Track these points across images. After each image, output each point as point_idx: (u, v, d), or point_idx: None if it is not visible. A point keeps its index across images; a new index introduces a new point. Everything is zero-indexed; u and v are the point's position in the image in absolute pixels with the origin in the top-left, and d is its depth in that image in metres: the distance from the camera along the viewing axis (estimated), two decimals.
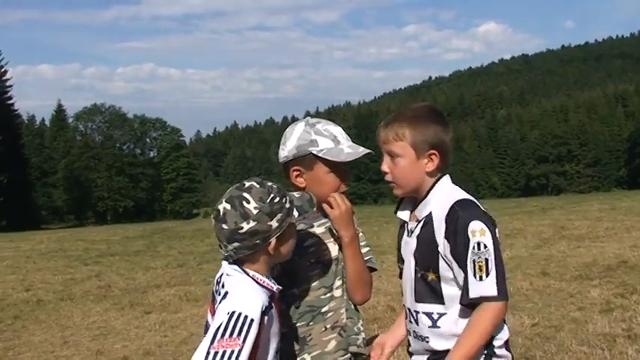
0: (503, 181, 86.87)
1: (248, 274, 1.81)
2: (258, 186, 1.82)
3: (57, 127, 74.92)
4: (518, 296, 6.66)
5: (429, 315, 1.97)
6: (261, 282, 1.80)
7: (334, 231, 2.08)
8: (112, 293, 8.95)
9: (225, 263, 1.85)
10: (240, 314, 1.67)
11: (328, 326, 2.07)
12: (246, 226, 1.77)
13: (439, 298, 1.95)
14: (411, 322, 2.05)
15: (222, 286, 1.81)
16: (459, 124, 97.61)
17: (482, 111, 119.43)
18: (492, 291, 1.84)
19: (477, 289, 1.84)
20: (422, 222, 1.99)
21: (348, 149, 2.05)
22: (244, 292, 1.75)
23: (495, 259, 1.85)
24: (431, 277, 1.95)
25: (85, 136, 75.06)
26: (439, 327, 1.96)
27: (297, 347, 2.05)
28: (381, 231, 14.16)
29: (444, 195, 1.96)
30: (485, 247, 1.85)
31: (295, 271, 2.04)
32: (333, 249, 2.10)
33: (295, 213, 1.86)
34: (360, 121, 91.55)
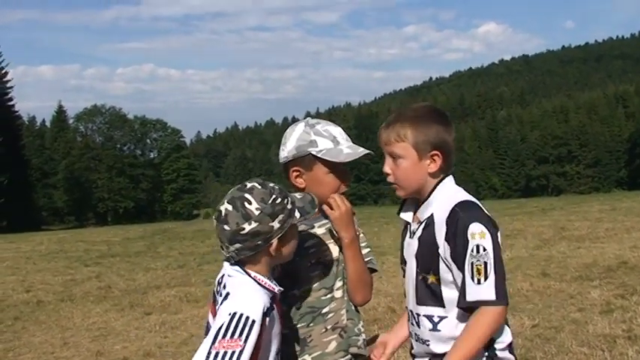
0: (503, 181, 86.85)
1: (249, 275, 1.80)
2: (259, 187, 1.81)
3: (57, 128, 75.00)
4: (518, 297, 6.66)
5: (429, 318, 1.96)
6: (263, 283, 1.80)
7: (334, 232, 2.07)
8: (112, 294, 8.95)
9: (226, 264, 1.85)
10: (241, 315, 1.67)
11: (329, 327, 2.06)
12: (247, 227, 1.76)
13: (439, 301, 1.93)
14: (413, 324, 2.04)
15: (224, 287, 1.81)
16: (460, 124, 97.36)
17: (482, 111, 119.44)
18: (491, 295, 1.80)
19: (474, 293, 1.81)
20: (424, 223, 1.97)
21: (347, 150, 2.03)
22: (246, 293, 1.75)
23: (495, 262, 1.81)
24: (431, 279, 1.94)
25: (85, 137, 75.08)
26: (439, 330, 1.94)
27: (297, 348, 2.04)
28: (381, 232, 14.16)
29: (447, 196, 1.93)
30: (485, 250, 1.81)
31: (296, 272, 2.03)
32: (334, 250, 2.09)
33: (297, 214, 1.85)
34: (360, 121, 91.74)
